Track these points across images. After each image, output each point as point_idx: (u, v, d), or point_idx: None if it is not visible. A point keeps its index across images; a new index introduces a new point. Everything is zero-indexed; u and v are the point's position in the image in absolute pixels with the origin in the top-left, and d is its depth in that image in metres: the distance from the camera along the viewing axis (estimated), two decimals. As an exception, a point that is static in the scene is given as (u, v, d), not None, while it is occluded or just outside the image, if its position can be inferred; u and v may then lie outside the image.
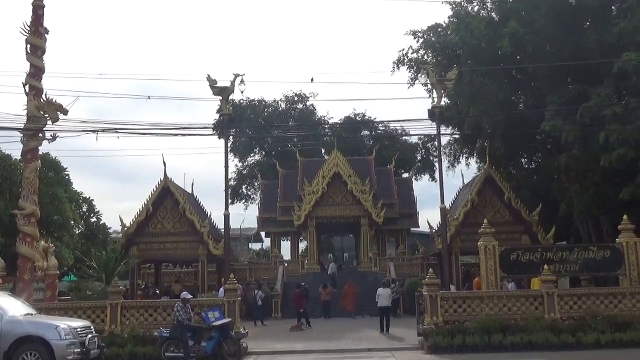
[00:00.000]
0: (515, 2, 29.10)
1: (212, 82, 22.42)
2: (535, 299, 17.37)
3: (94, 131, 19.82)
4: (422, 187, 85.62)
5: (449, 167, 38.84)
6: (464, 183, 30.53)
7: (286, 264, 34.26)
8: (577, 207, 27.87)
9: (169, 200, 26.84)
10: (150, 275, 32.35)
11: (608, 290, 18.26)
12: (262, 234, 46.28)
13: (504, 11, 29.72)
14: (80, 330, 13.18)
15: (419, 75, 34.98)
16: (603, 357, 14.98)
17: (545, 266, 17.85)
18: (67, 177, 28.42)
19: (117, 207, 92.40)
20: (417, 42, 35.22)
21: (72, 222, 27.56)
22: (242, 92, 23.02)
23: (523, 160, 36.97)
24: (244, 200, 53.69)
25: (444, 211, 23.25)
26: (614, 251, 18.68)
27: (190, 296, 16.12)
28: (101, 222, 29.89)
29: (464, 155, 38.20)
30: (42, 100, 19.31)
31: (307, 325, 23.40)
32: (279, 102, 52.48)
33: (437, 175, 39.04)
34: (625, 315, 16.77)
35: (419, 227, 40.16)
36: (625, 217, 19.11)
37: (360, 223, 34.93)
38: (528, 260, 18.96)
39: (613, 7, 27.78)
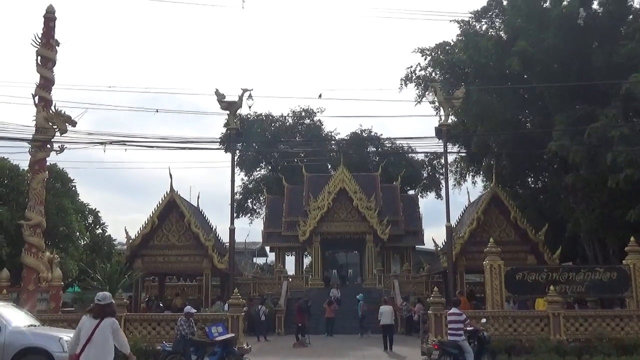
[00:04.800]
0: (523, 22, 29.24)
1: (220, 97, 22.59)
2: (541, 320, 17.25)
3: (101, 143, 19.96)
4: (428, 204, 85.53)
5: (455, 185, 38.84)
6: (469, 201, 30.43)
7: (290, 279, 34.12)
8: (583, 228, 27.75)
9: (174, 213, 26.84)
10: (154, 288, 32.30)
11: (614, 312, 18.13)
12: (267, 248, 46.18)
13: (512, 30, 29.87)
14: (83, 343, 13.11)
15: (427, 92, 35.15)
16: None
17: (551, 287, 17.74)
18: (73, 188, 28.44)
19: (123, 218, 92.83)
20: (425, 59, 35.43)
21: (78, 234, 27.51)
22: (249, 107, 23.20)
23: (529, 180, 36.91)
24: (249, 215, 53.72)
25: (449, 229, 23.20)
26: (621, 273, 18.56)
27: (195, 310, 16.07)
28: (106, 234, 29.83)
29: (471, 174, 38.17)
30: (51, 111, 19.44)
31: (303, 340, 23.00)
32: (287, 117, 52.69)
33: (443, 193, 39.21)
34: (631, 338, 16.62)
35: (424, 244, 39.95)
36: (632, 239, 19.01)
37: (365, 239, 34.83)
38: (534, 281, 18.88)
39: (622, 29, 27.88)
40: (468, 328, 13.98)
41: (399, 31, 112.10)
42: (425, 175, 52.63)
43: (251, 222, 54.25)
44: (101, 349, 7.44)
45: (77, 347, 7.48)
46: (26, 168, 22.20)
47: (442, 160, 28.29)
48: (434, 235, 72.99)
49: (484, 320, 15.49)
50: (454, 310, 14.01)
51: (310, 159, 45.68)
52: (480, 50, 29.78)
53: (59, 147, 19.60)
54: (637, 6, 28.68)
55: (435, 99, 26.31)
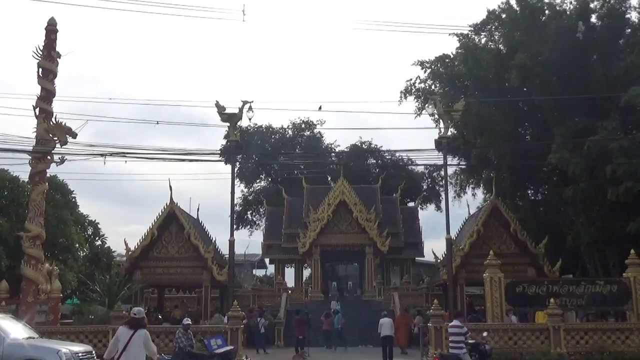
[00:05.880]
0: (522, 35, 29.41)
1: (220, 109, 22.60)
2: (542, 332, 17.20)
3: (102, 155, 19.99)
4: (428, 216, 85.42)
5: (455, 197, 38.75)
6: (469, 213, 30.40)
7: (290, 292, 34.03)
8: (583, 240, 27.70)
9: (174, 225, 26.81)
10: (153, 300, 32.18)
11: (615, 325, 18.09)
12: (267, 260, 46.07)
13: (511, 43, 30.01)
14: (82, 355, 13.05)
15: (427, 105, 35.20)
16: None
17: (552, 300, 17.71)
18: (73, 199, 28.48)
19: (123, 230, 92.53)
20: (425, 72, 35.55)
21: (77, 245, 27.51)
22: (250, 119, 23.21)
23: (529, 192, 36.86)
24: (248, 226, 53.64)
25: (449, 241, 23.13)
26: (621, 286, 18.55)
27: (189, 321, 16.01)
28: (106, 246, 29.86)
29: (470, 186, 38.13)
30: (51, 123, 19.48)
31: (302, 353, 22.91)
32: (287, 129, 52.77)
33: (442, 205, 39.20)
34: (632, 352, 16.59)
35: (424, 256, 39.92)
36: (632, 251, 19.00)
37: (365, 251, 34.78)
38: (534, 293, 18.88)
39: (620, 42, 28.02)
40: (470, 341, 13.93)
41: (399, 44, 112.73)
42: (425, 187, 52.61)
43: (251, 234, 54.20)
44: (135, 355, 8.83)
45: (114, 353, 8.93)
46: (26, 179, 22.23)
47: (442, 173, 28.32)
48: (433, 247, 72.84)
49: (485, 333, 15.45)
50: (455, 322, 13.95)
51: (310, 171, 45.67)
52: (479, 63, 29.91)
53: (59, 158, 19.61)
54: (635, 20, 28.87)
55: (435, 111, 26.33)
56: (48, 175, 20.51)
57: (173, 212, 26.68)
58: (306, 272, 42.73)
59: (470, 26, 33.10)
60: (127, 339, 8.83)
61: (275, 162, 49.89)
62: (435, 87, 35.19)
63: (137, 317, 9.11)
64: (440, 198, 49.98)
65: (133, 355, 8.78)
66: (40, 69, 19.77)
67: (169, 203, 26.74)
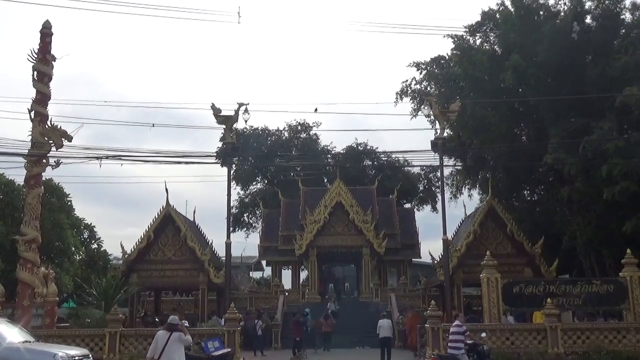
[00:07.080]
0: (517, 36, 29.45)
1: (216, 111, 22.57)
2: (539, 333, 17.21)
3: (97, 158, 19.92)
4: (424, 217, 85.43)
5: (451, 198, 38.75)
6: (466, 214, 30.42)
7: (287, 294, 33.97)
8: (580, 240, 27.76)
9: (170, 227, 26.74)
10: (150, 303, 32.10)
11: (612, 325, 18.10)
12: (263, 262, 46.00)
13: (506, 44, 30.06)
14: (79, 359, 13.02)
15: (422, 106, 35.20)
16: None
17: (548, 300, 17.72)
18: (69, 203, 28.43)
19: (119, 233, 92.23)
20: (420, 73, 35.57)
21: (73, 249, 27.46)
22: (246, 121, 23.19)
23: (525, 192, 36.90)
24: (245, 229, 53.45)
25: (446, 242, 23.11)
26: (618, 285, 18.58)
27: (187, 323, 15.96)
28: (102, 249, 29.79)
29: (467, 187, 38.13)
30: (47, 126, 19.42)
31: (300, 355, 22.89)
32: (283, 131, 52.70)
33: (439, 206, 39.20)
34: (629, 351, 16.60)
35: (420, 257, 39.88)
36: (628, 251, 19.04)
37: (362, 253, 34.73)
38: (531, 294, 18.89)
39: (615, 42, 28.10)
40: (468, 341, 13.95)
41: (394, 46, 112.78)
42: (421, 188, 52.58)
43: (247, 236, 54.01)
44: (172, 352, 10.63)
45: (155, 353, 10.64)
46: (22, 183, 22.16)
47: (438, 174, 28.18)
48: (430, 248, 72.65)
49: (483, 334, 15.45)
50: (456, 322, 14.04)
51: (307, 173, 45.60)
52: (474, 64, 29.94)
53: (54, 161, 19.57)
54: (630, 21, 28.94)
55: (431, 112, 26.34)
56: (44, 178, 20.44)
57: (169, 214, 26.63)
58: (303, 274, 42.68)
59: (465, 27, 33.17)
60: (165, 341, 10.58)
61: (272, 164, 49.78)
62: (431, 88, 35.22)
63: (172, 323, 10.95)
64: (437, 199, 49.94)
65: (171, 354, 10.51)
66: (36, 72, 19.73)
67: (165, 205, 26.70)
